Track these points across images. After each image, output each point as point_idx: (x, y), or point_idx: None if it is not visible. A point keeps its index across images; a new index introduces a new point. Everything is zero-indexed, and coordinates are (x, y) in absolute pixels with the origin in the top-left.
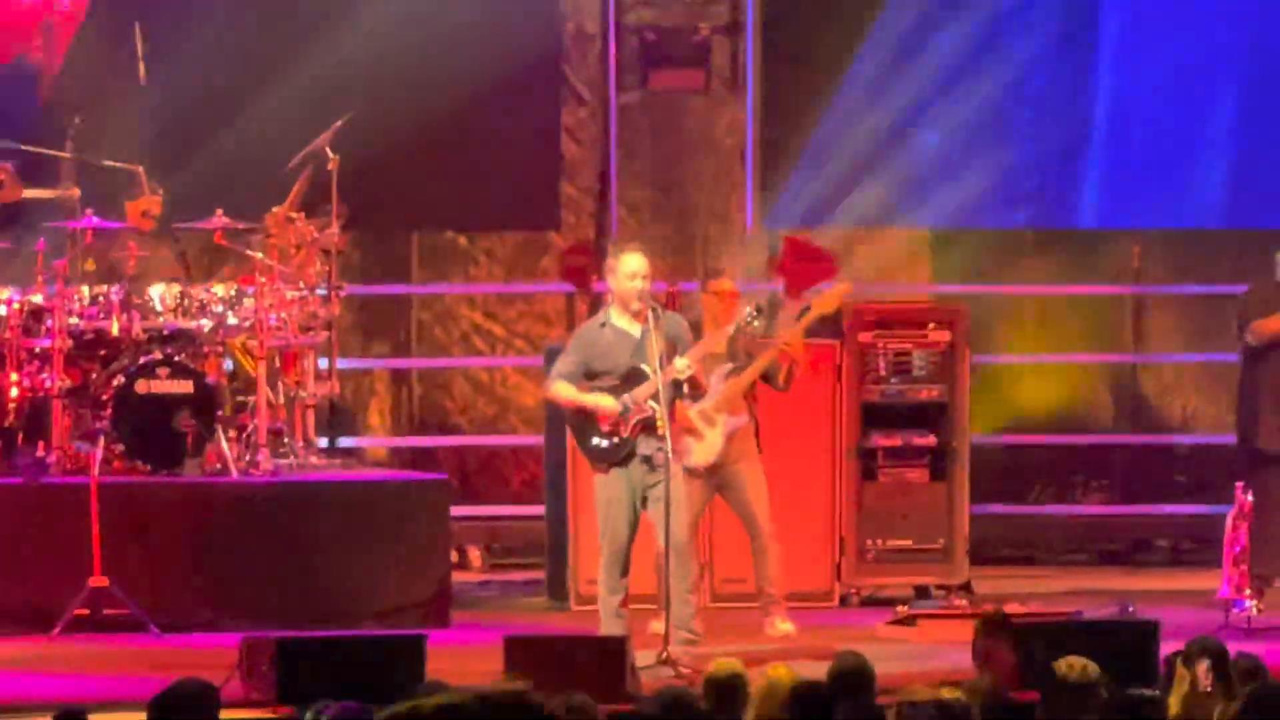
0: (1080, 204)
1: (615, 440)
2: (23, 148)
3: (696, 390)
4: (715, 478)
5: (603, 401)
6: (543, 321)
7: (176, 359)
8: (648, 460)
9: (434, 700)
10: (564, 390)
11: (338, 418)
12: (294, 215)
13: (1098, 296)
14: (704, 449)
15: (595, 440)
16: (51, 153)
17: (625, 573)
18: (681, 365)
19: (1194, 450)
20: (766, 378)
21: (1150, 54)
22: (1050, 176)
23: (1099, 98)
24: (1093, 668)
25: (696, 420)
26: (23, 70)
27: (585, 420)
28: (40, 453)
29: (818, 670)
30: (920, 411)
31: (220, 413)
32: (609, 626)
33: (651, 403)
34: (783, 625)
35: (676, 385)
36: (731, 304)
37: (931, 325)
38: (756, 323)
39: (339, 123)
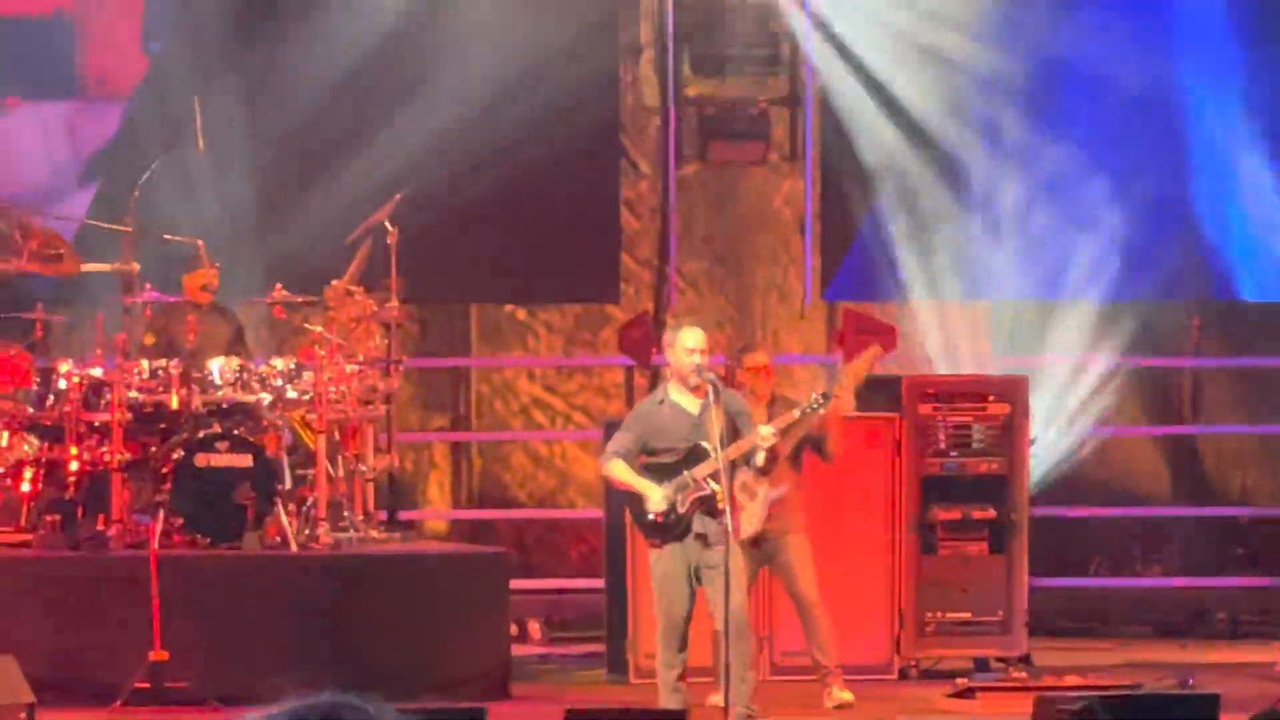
0: (1139, 275)
1: (671, 517)
2: (83, 221)
3: (772, 464)
4: (760, 549)
5: (652, 494)
6: (602, 395)
7: (236, 432)
8: (702, 537)
9: None
10: (618, 470)
11: (397, 491)
12: (353, 289)
13: (1156, 368)
14: (745, 520)
15: (651, 516)
16: (111, 226)
17: (683, 647)
18: (767, 433)
19: (1253, 522)
20: (815, 448)
21: (1200, 128)
22: (1112, 248)
23: (1163, 174)
24: None
25: (737, 492)
26: (62, 22)
27: (640, 497)
28: (100, 526)
29: None
30: (979, 484)
31: (279, 486)
32: (668, 700)
33: (710, 481)
34: (841, 695)
35: (746, 458)
36: (767, 379)
37: (991, 398)
38: (822, 410)
39: (398, 196)
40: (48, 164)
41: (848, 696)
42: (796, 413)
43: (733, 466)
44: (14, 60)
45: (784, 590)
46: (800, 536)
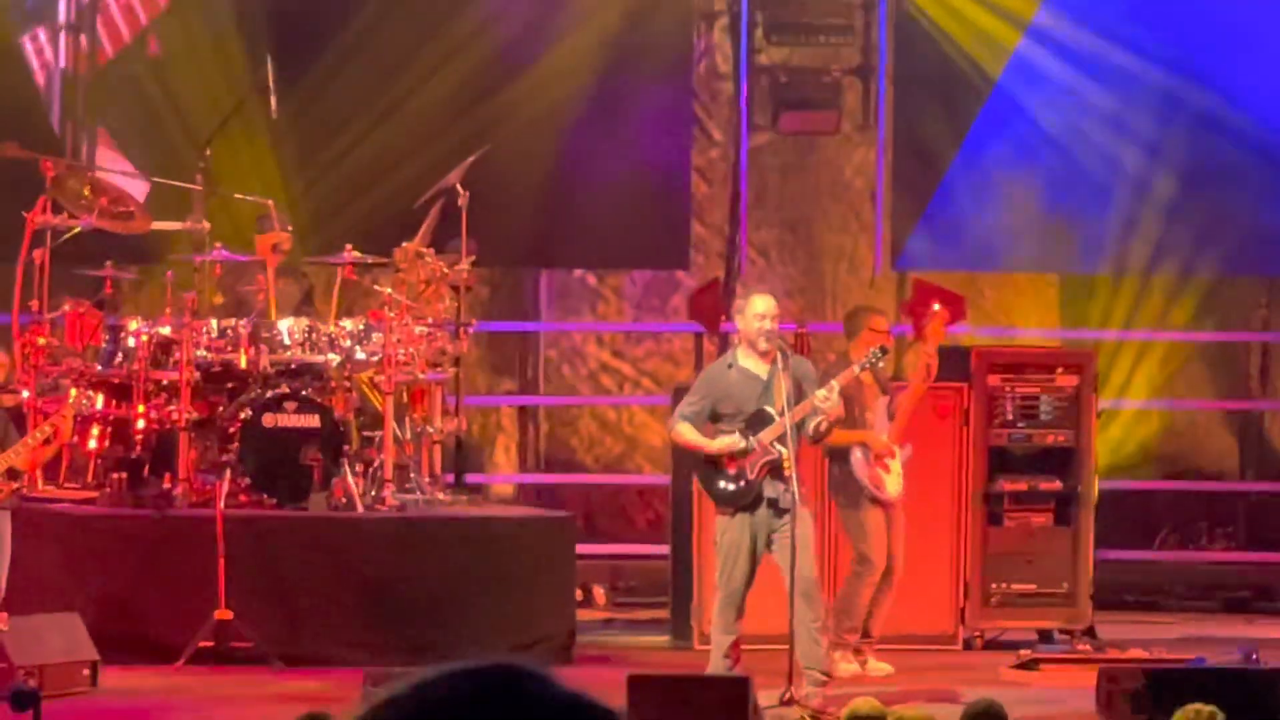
0: (1209, 251)
1: (741, 484)
2: (154, 179)
3: (831, 428)
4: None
5: (724, 442)
6: (670, 361)
7: (304, 393)
8: (773, 504)
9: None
10: (687, 433)
11: (464, 454)
12: (424, 251)
13: (1225, 343)
14: (894, 480)
15: (721, 484)
16: (182, 184)
17: (740, 615)
18: (822, 395)
19: None
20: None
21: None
22: (1182, 224)
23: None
24: (1219, 716)
25: (883, 453)
26: None
27: (710, 463)
28: (166, 485)
29: (944, 713)
30: (1046, 456)
31: (347, 447)
32: (716, 666)
33: (777, 445)
34: (879, 665)
35: (802, 424)
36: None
37: (1059, 370)
38: (880, 363)
39: (470, 159)
40: None
41: (887, 667)
42: (856, 368)
43: (798, 430)
44: None
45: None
46: (902, 506)
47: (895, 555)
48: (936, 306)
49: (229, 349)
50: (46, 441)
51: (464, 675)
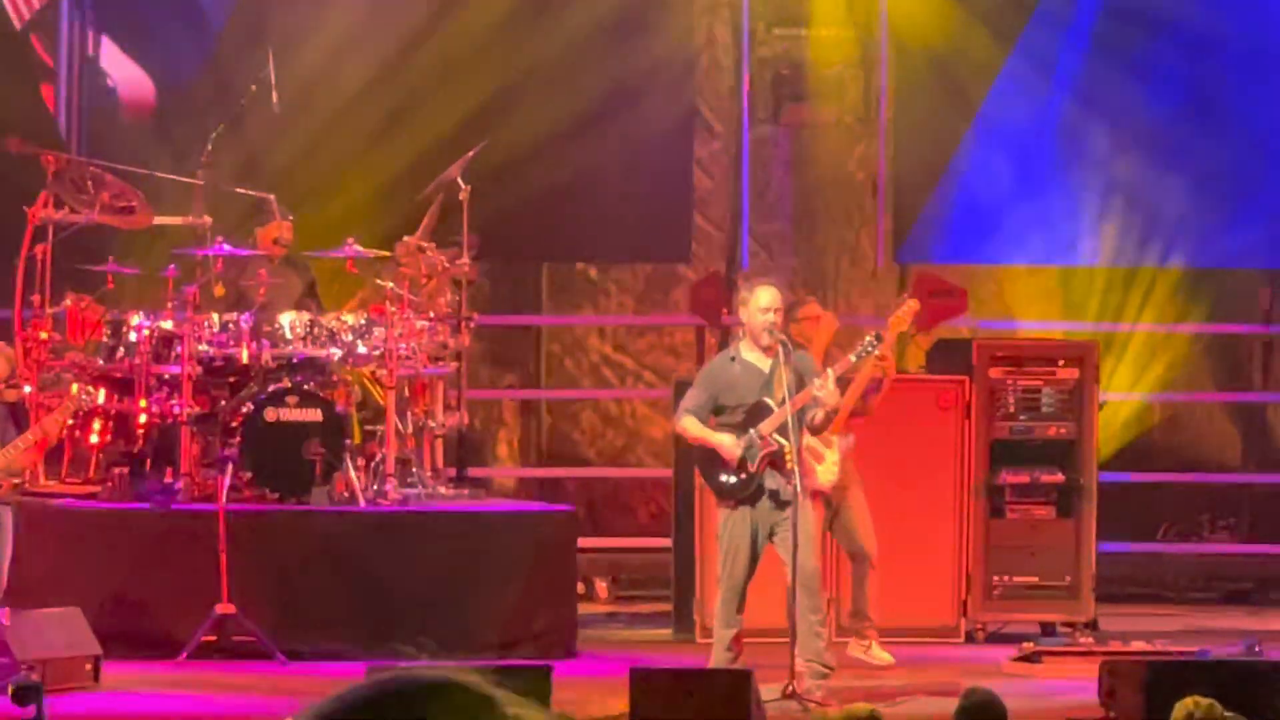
0: (1210, 243)
1: (743, 476)
2: (156, 174)
3: (828, 420)
4: (832, 502)
5: (727, 443)
6: (672, 354)
7: (306, 387)
8: (775, 496)
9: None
10: (692, 426)
11: (466, 448)
12: (425, 245)
13: (1227, 335)
14: (826, 470)
15: (723, 477)
16: (183, 179)
17: (741, 608)
18: (819, 384)
19: None
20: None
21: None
22: (1183, 216)
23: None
24: (1217, 708)
25: (814, 442)
26: None
27: (713, 456)
28: (168, 479)
29: (945, 706)
30: (1048, 448)
31: (349, 441)
32: (719, 659)
33: (777, 436)
34: (882, 654)
35: (803, 414)
36: (828, 327)
37: (1061, 362)
38: (876, 351)
39: (471, 152)
40: None
41: (889, 657)
42: (852, 357)
43: (799, 422)
44: None
45: (843, 546)
46: (860, 490)
47: (864, 541)
48: (905, 298)
49: (230, 343)
50: (45, 437)
51: (390, 692)
